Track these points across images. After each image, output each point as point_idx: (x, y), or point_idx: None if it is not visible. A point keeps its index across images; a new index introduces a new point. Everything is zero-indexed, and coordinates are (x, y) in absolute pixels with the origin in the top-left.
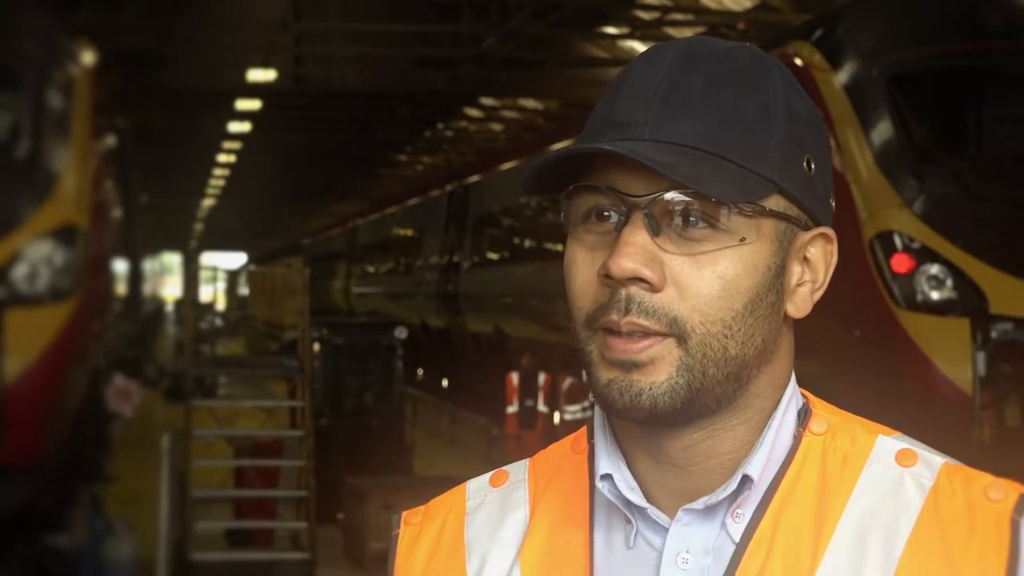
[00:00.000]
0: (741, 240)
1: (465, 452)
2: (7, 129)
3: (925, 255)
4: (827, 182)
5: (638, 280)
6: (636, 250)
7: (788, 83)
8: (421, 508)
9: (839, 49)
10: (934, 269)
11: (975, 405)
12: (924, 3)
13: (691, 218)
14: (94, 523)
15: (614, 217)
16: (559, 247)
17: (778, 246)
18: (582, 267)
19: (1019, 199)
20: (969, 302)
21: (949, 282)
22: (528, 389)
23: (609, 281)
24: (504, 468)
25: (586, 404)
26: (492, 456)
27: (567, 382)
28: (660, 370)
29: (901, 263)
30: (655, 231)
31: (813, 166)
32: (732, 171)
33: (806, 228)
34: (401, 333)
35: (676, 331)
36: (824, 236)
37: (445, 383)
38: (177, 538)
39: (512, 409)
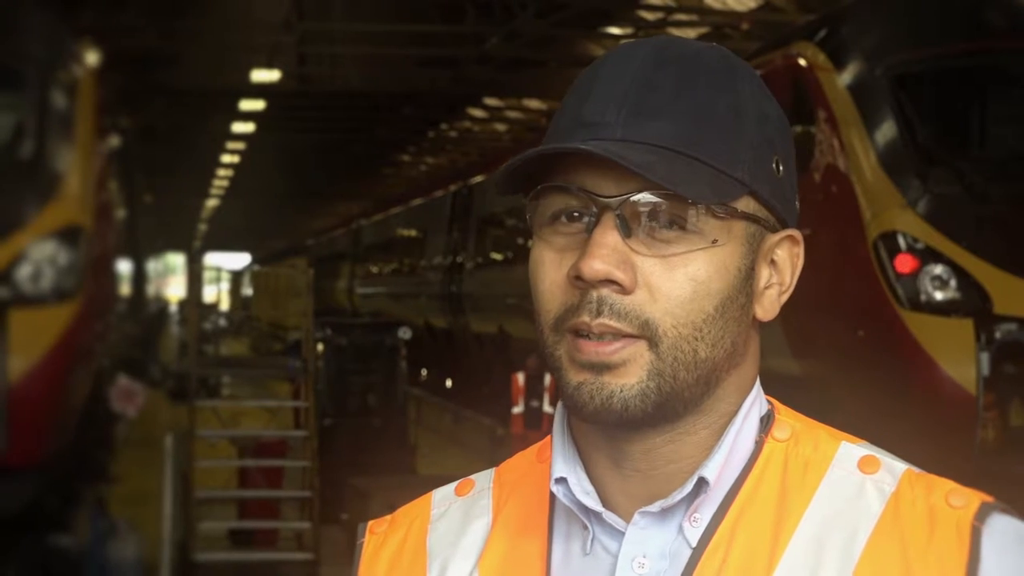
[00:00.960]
0: (713, 242)
1: (469, 452)
2: (11, 129)
3: (929, 255)
4: (793, 184)
5: (609, 282)
6: (608, 252)
7: (757, 84)
8: (388, 517)
9: (842, 49)
10: (938, 269)
11: (979, 406)
12: (927, 3)
13: (662, 219)
14: (98, 523)
15: (584, 218)
16: None
17: (748, 248)
18: (550, 269)
19: (1023, 199)
20: (973, 303)
21: (953, 282)
22: (534, 389)
23: (580, 283)
24: (471, 477)
25: None
26: (496, 457)
27: None
28: (631, 372)
29: (905, 263)
30: (626, 232)
31: (781, 168)
32: (706, 172)
33: (774, 230)
34: (405, 333)
35: (648, 334)
36: (791, 238)
37: (449, 383)
38: (181, 538)
39: (517, 410)
